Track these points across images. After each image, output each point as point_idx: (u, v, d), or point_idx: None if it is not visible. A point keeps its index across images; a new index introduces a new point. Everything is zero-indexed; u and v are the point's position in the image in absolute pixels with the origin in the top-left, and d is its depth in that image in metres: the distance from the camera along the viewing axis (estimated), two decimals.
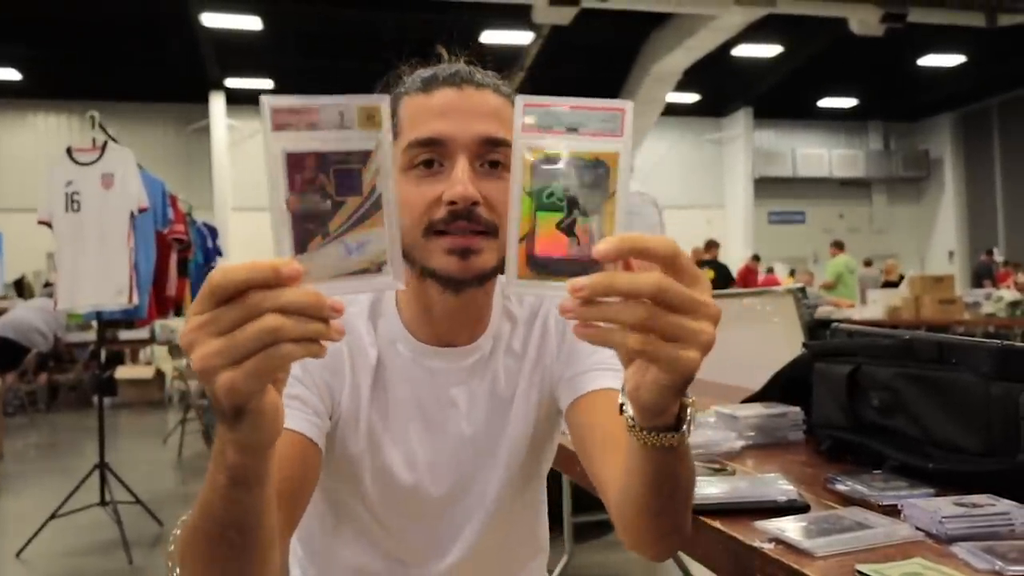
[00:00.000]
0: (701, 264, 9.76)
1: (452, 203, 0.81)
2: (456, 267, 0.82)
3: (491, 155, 0.84)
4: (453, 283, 0.84)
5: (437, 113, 0.84)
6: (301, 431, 0.84)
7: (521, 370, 0.97)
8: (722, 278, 9.37)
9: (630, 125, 0.54)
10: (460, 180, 0.81)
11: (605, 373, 0.92)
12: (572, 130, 0.54)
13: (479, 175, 0.83)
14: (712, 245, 9.92)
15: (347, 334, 0.89)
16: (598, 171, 0.54)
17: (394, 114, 0.86)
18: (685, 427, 0.64)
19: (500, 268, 0.84)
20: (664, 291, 0.52)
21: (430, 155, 0.83)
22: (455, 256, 0.82)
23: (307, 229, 0.53)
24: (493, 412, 0.95)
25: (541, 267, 0.55)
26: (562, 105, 0.54)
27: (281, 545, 0.77)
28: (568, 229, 0.54)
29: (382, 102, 0.53)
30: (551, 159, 0.54)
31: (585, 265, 0.53)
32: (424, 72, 0.89)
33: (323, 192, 0.53)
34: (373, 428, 0.92)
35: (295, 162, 0.53)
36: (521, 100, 0.54)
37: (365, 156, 0.53)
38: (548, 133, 0.54)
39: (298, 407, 0.85)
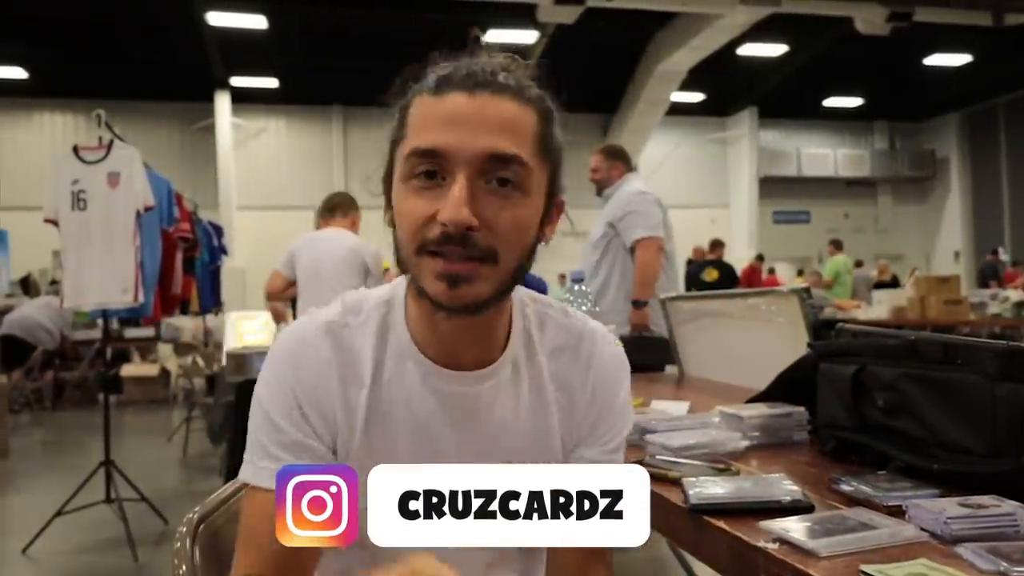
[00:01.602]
0: (706, 264, 9.80)
1: (444, 225, 0.74)
2: (445, 295, 0.76)
3: (500, 172, 0.76)
4: (443, 309, 0.78)
5: (443, 121, 0.76)
6: None
7: (548, 409, 0.87)
8: (726, 278, 9.40)
9: None
10: (455, 202, 0.73)
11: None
12: None
13: (483, 194, 0.75)
14: (717, 244, 9.97)
15: (340, 351, 0.83)
16: None
17: (405, 113, 0.80)
18: None
19: (498, 296, 0.79)
20: None
21: (431, 166, 0.76)
22: (444, 283, 0.76)
23: None
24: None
25: None
26: None
27: None
28: None
29: None
30: None
31: None
32: (442, 68, 0.80)
33: None
34: (370, 452, 0.83)
35: None
36: None
37: None
38: None
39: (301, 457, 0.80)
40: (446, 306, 0.77)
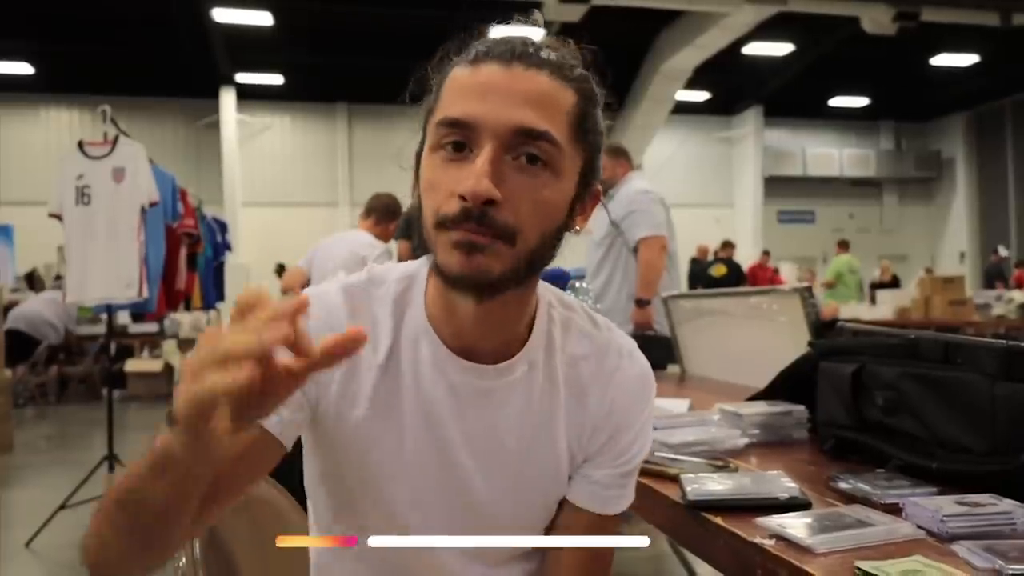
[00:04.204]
0: (715, 260, 9.90)
1: (463, 198, 0.70)
2: (458, 263, 0.71)
3: (528, 148, 0.72)
4: (455, 281, 0.73)
5: (475, 91, 0.73)
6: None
7: (556, 413, 0.84)
8: (734, 276, 9.50)
9: None
10: (476, 173, 0.70)
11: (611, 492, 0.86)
12: None
13: (509, 169, 0.72)
14: (728, 245, 10.07)
15: (356, 315, 0.79)
16: None
17: (440, 85, 0.77)
18: None
19: (512, 278, 0.74)
20: None
21: (459, 137, 0.72)
22: (459, 251, 0.71)
23: None
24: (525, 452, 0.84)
25: None
26: None
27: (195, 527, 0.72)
28: None
29: None
30: None
31: None
32: (483, 41, 0.77)
33: None
34: (375, 433, 0.80)
35: None
36: None
37: None
38: None
39: None
40: (459, 275, 0.72)
